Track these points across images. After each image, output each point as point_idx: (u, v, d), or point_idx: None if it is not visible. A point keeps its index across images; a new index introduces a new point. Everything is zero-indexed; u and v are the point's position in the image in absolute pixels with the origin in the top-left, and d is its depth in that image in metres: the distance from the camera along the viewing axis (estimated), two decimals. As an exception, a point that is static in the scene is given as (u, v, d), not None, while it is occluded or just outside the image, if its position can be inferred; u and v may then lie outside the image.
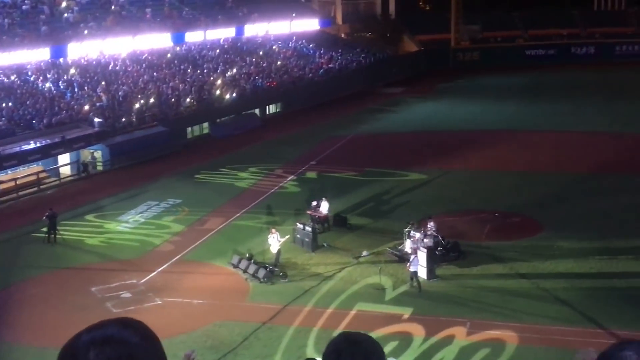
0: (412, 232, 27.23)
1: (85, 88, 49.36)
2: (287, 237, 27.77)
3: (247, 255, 27.28)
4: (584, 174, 38.58)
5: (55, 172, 42.38)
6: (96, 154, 44.30)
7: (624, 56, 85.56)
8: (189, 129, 52.85)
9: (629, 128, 49.37)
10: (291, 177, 40.21)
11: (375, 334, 21.13)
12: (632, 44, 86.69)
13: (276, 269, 26.28)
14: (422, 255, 25.36)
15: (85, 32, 51.05)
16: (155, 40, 56.83)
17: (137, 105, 49.16)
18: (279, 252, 27.02)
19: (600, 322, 21.47)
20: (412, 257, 25.10)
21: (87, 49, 51.29)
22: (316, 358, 20.30)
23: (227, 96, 56.30)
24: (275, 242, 26.99)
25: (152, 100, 50.80)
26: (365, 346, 2.61)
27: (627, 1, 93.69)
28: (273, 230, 27.58)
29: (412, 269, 24.82)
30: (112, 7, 56.88)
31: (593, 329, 21.13)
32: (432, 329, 21.53)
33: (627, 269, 25.60)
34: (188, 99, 53.18)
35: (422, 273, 25.23)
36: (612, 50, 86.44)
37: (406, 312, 22.89)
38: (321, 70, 68.77)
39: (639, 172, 38.55)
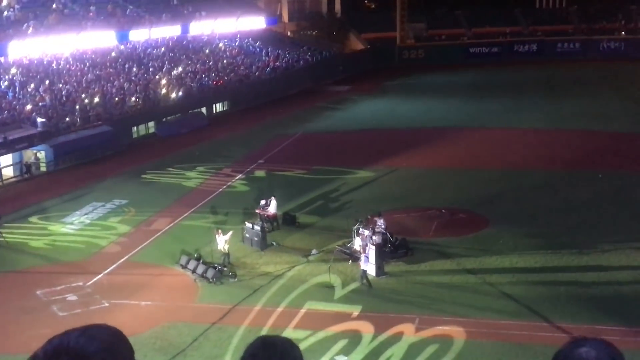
0: (361, 229, 27.37)
1: (28, 88, 48.40)
2: (230, 232, 27.56)
3: (196, 255, 27.11)
4: (529, 171, 39.25)
5: (-3, 173, 41.48)
6: (39, 154, 43.48)
7: (565, 53, 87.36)
8: (135, 128, 52.23)
9: (573, 125, 50.37)
10: (239, 176, 40.06)
11: (325, 333, 21.25)
12: (572, 42, 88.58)
13: (225, 269, 26.15)
14: (370, 252, 25.51)
15: (30, 30, 50.00)
16: (99, 39, 55.92)
17: (81, 105, 48.38)
18: (227, 251, 26.90)
19: (546, 316, 21.88)
20: (362, 256, 25.27)
21: (28, 47, 50.25)
22: None
23: (173, 95, 55.83)
24: (222, 241, 26.84)
25: (96, 99, 50.06)
26: (281, 349, 2.62)
27: (568, 0, 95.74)
28: (219, 232, 27.41)
29: (362, 266, 25.02)
30: (54, 6, 55.80)
31: (539, 323, 21.52)
32: (381, 326, 21.66)
33: (571, 263, 26.11)
34: (133, 98, 52.56)
35: (371, 270, 25.38)
36: (554, 48, 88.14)
37: (355, 309, 22.99)
38: (268, 69, 68.67)
39: (582, 168, 39.41)
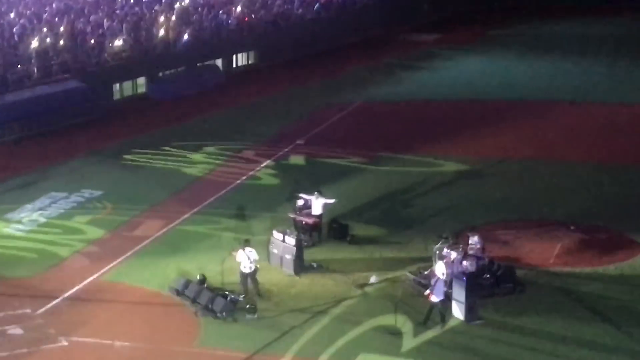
0: (445, 250, 27.16)
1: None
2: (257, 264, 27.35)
3: (198, 277, 27.13)
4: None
5: None
6: (-25, 118, 44.16)
7: None
8: (117, 86, 52.78)
9: None
10: (267, 162, 40.22)
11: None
12: None
13: (241, 299, 26.10)
14: (459, 286, 25.29)
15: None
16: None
17: (39, 48, 48.85)
18: (254, 276, 26.70)
19: None
20: (433, 280, 25.12)
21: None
22: None
23: (176, 38, 56.09)
24: (246, 260, 26.59)
25: (62, 41, 50.53)
26: None
27: None
28: (247, 244, 27.18)
29: (433, 298, 24.87)
30: None
31: None
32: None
33: None
34: (117, 42, 52.92)
35: (458, 312, 25.20)
36: None
37: (432, 370, 22.91)
38: (317, 5, 68.46)
39: None
